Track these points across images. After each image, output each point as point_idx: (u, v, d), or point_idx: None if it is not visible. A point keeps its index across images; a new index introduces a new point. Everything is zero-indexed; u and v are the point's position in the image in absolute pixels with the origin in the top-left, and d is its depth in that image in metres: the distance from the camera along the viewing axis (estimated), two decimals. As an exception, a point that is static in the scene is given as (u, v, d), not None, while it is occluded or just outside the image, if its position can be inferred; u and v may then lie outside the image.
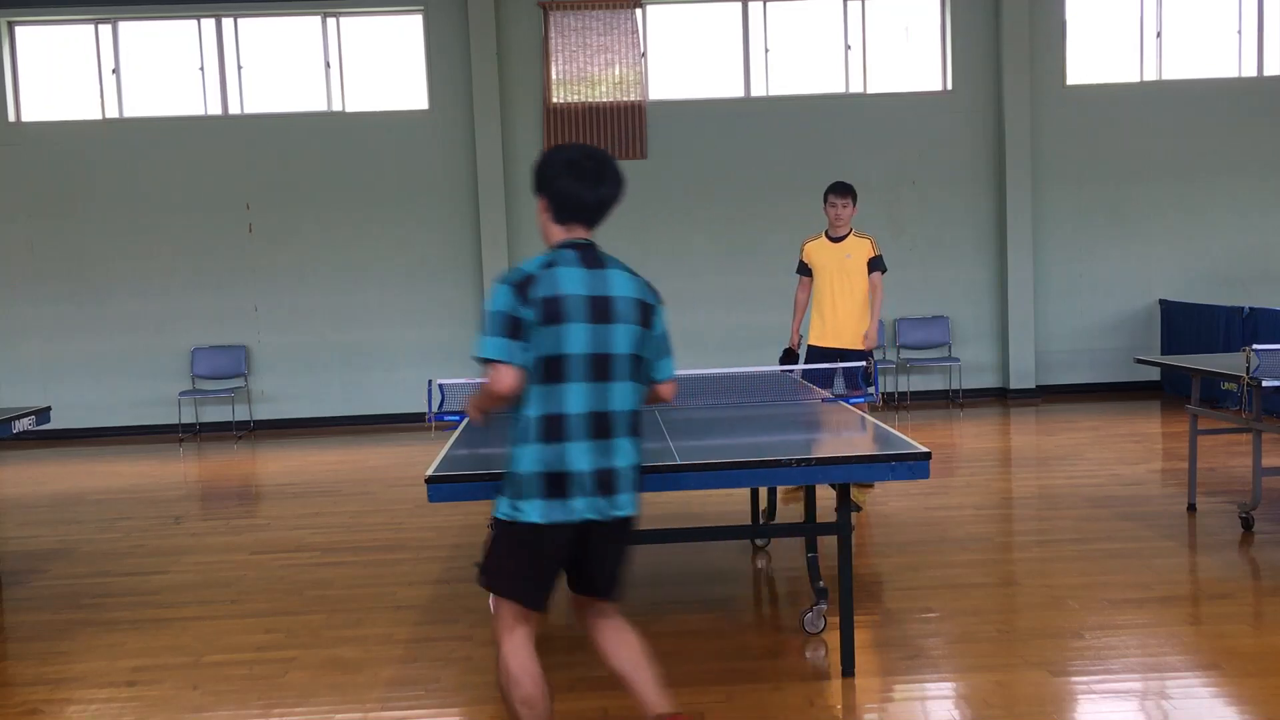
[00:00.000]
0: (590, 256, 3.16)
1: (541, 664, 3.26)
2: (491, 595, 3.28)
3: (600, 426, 3.10)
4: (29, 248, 11.91)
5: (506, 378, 3.02)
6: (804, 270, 7.37)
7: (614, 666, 3.38)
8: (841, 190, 7.19)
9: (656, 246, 11.78)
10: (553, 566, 3.19)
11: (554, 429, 3.07)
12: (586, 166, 3.17)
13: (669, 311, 3.45)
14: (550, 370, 3.06)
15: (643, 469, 3.30)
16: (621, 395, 3.15)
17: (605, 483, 3.13)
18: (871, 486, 7.32)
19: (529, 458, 3.09)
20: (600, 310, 3.09)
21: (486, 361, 3.03)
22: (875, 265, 7.13)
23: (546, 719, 3.18)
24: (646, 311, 3.19)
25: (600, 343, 3.09)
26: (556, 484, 3.08)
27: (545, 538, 3.11)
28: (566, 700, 4.18)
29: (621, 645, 3.35)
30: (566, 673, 4.46)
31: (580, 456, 3.08)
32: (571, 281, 3.08)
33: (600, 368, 3.09)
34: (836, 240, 7.22)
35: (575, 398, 3.07)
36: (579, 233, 3.20)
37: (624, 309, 3.13)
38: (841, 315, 7.08)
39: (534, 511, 3.09)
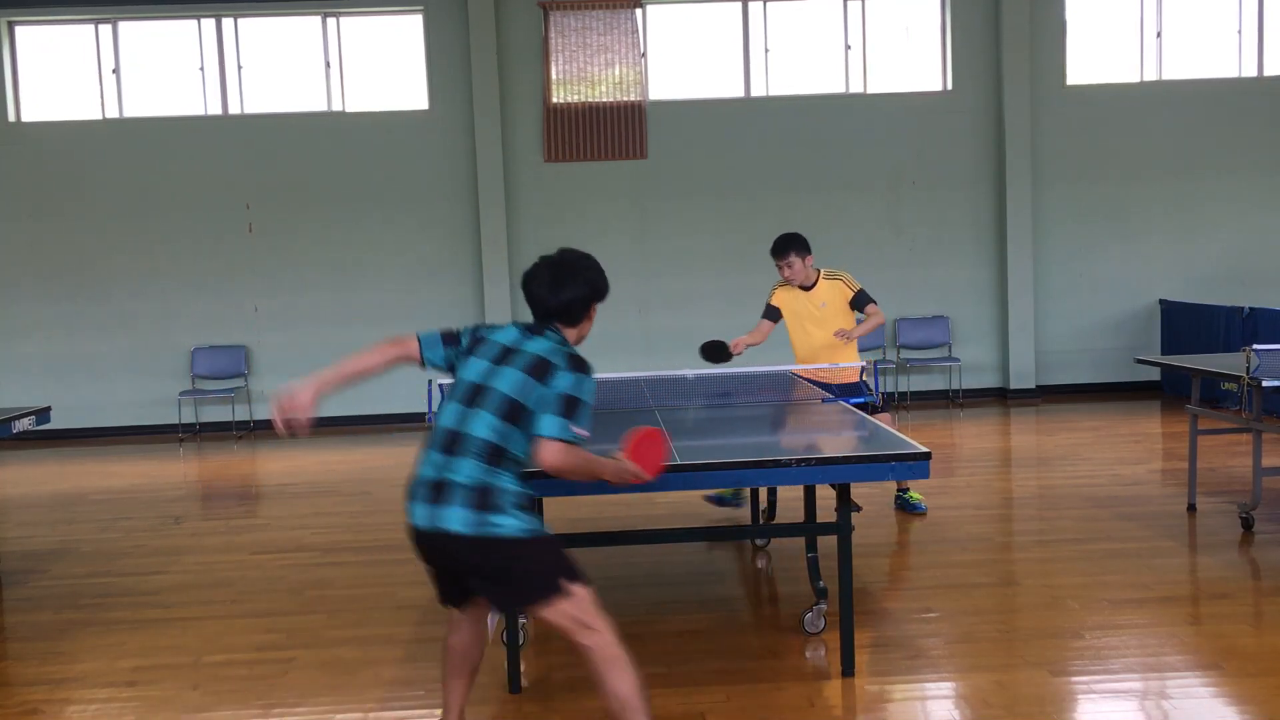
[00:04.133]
0: (534, 329, 3.51)
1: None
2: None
3: (449, 442, 3.35)
4: (29, 247, 11.91)
5: (399, 338, 3.76)
6: (772, 314, 6.72)
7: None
8: (778, 251, 6.52)
9: (656, 246, 11.78)
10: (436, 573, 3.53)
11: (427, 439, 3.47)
12: (539, 273, 3.52)
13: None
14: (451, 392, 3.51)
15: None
16: (483, 424, 3.33)
17: (437, 492, 3.31)
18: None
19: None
20: (503, 356, 3.42)
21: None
22: (862, 300, 6.53)
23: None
24: (545, 368, 3.34)
25: (486, 376, 3.39)
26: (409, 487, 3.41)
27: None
28: (567, 700, 4.18)
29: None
30: (566, 672, 4.47)
31: (425, 465, 3.40)
32: (501, 334, 3.52)
33: (474, 395, 3.38)
34: (807, 289, 6.61)
35: (446, 415, 3.42)
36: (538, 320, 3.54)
37: (522, 360, 3.37)
38: (824, 362, 6.51)
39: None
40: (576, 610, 3.27)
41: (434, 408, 5.28)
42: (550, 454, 3.24)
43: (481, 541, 3.21)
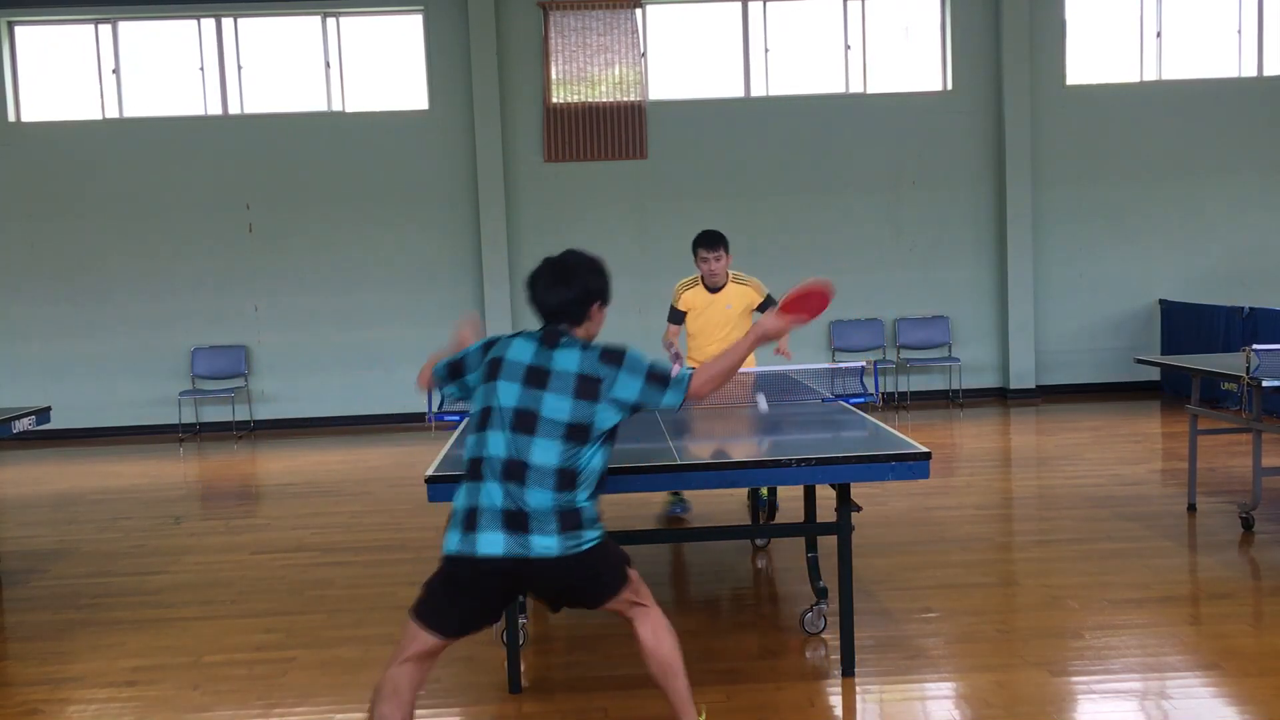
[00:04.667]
0: (547, 337, 3.50)
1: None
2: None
3: (514, 472, 3.34)
4: (29, 248, 11.91)
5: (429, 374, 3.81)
6: (676, 318, 6.79)
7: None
8: (710, 242, 6.53)
9: (656, 246, 11.77)
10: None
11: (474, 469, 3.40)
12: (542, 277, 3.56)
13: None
14: (479, 419, 3.44)
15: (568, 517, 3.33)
16: (547, 451, 3.35)
17: (517, 522, 3.31)
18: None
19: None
20: (533, 378, 3.42)
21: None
22: (770, 305, 6.50)
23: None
24: (593, 386, 3.41)
25: (526, 401, 3.39)
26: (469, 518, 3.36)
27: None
28: (567, 700, 4.18)
29: None
30: (567, 673, 4.47)
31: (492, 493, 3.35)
32: (515, 350, 3.50)
33: (520, 421, 3.37)
34: (714, 290, 6.64)
35: (493, 444, 3.37)
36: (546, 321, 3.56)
37: (562, 383, 3.40)
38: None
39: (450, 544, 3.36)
40: (633, 593, 3.49)
41: (434, 408, 5.28)
42: (695, 401, 3.56)
43: (574, 559, 3.32)
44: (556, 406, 3.34)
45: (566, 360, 3.41)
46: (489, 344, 3.59)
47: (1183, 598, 5.22)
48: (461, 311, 11.96)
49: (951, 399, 12.24)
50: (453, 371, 3.64)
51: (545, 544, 3.27)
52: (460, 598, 3.34)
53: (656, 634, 3.49)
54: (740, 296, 6.62)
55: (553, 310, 3.50)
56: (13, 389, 11.70)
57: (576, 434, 3.34)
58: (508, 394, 3.39)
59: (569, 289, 3.48)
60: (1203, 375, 6.67)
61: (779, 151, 12.10)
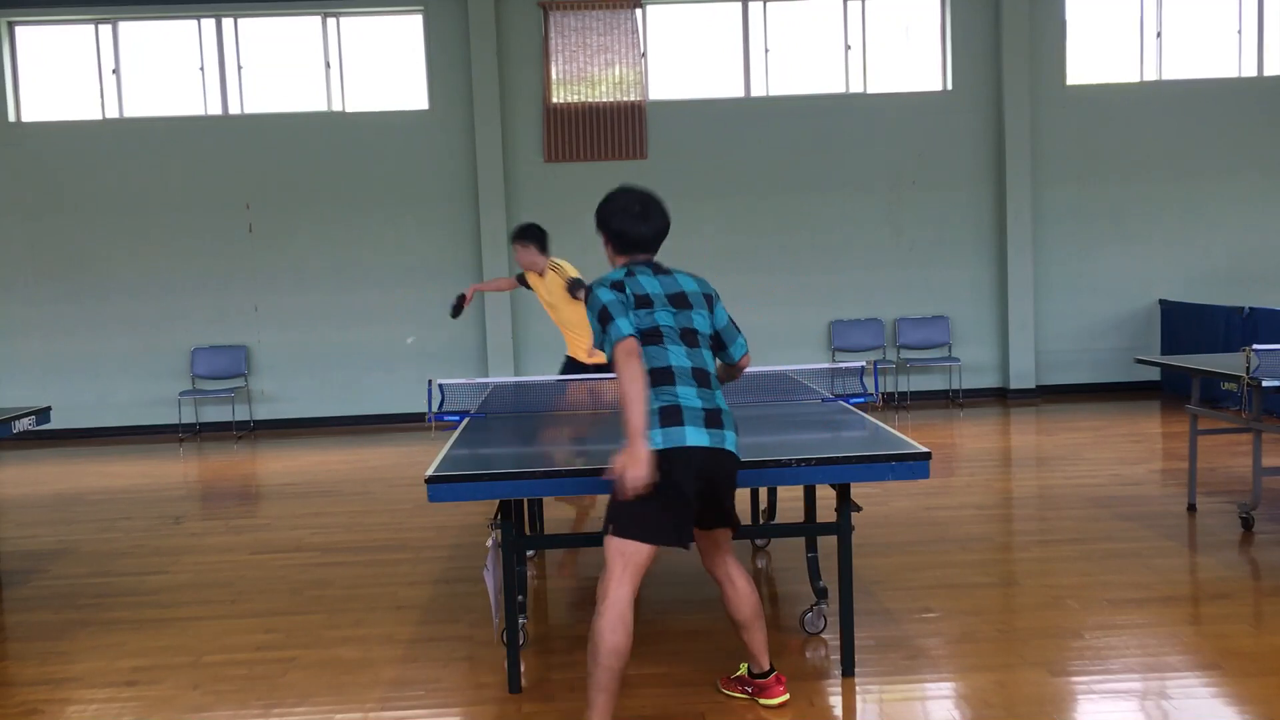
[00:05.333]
0: (656, 267, 3.89)
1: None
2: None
3: (700, 377, 3.74)
4: (29, 247, 11.92)
5: (635, 346, 3.61)
6: (521, 281, 7.50)
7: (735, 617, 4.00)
8: (518, 237, 7.18)
9: (656, 246, 11.75)
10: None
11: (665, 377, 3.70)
12: (635, 210, 3.88)
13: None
14: (649, 338, 3.71)
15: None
16: (709, 360, 3.84)
17: (715, 419, 3.70)
18: None
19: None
20: (677, 300, 3.80)
21: (621, 340, 3.58)
22: (574, 287, 6.90)
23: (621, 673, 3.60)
24: (711, 301, 3.91)
25: (684, 321, 3.77)
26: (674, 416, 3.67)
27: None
28: (567, 700, 4.18)
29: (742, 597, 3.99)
30: (566, 673, 4.46)
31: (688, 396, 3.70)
32: (647, 283, 3.80)
33: (685, 336, 3.77)
34: (542, 275, 7.26)
35: (676, 356, 3.71)
36: (641, 258, 3.89)
37: (699, 302, 3.85)
38: (568, 337, 7.34)
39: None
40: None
41: (434, 408, 5.28)
42: (747, 363, 4.07)
43: (738, 459, 3.77)
44: (703, 321, 3.81)
45: (690, 283, 3.86)
46: (619, 283, 3.74)
47: (1183, 598, 5.22)
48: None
49: (951, 399, 12.24)
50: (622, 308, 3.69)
51: (732, 439, 3.71)
52: (669, 497, 3.57)
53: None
54: (555, 283, 7.14)
55: (653, 239, 3.88)
56: (12, 389, 11.70)
57: (718, 344, 3.92)
58: (666, 317, 3.72)
59: (665, 219, 3.93)
60: (1203, 375, 6.66)
61: (779, 151, 12.10)
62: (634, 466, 3.46)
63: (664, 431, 3.58)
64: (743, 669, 4.11)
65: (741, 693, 4.08)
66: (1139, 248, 12.31)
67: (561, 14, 11.83)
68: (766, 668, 4.04)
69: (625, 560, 3.58)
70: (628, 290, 3.71)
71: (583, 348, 7.17)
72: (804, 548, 5.41)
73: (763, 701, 4.01)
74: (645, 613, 5.19)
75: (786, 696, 4.05)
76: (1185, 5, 12.29)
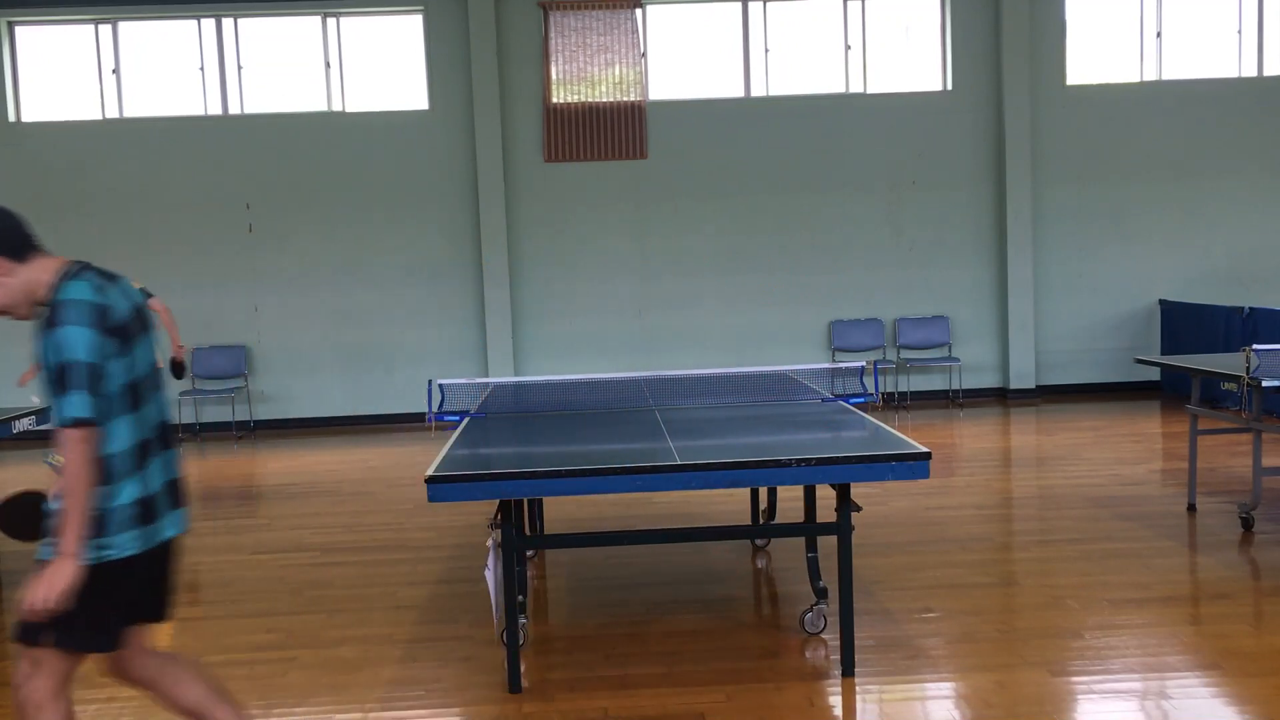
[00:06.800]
0: (100, 270, 2.99)
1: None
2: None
3: (166, 439, 3.06)
4: (29, 248, 11.90)
5: (97, 437, 2.83)
6: None
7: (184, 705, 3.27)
8: None
9: (656, 246, 11.77)
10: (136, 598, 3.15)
11: (143, 454, 2.96)
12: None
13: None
14: (132, 396, 2.94)
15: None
16: (161, 406, 3.06)
17: (176, 495, 3.11)
18: None
19: (125, 491, 2.95)
20: (141, 323, 3.00)
21: (80, 423, 2.76)
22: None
23: None
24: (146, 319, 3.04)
25: (147, 356, 3.01)
26: (148, 509, 2.99)
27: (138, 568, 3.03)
28: (567, 700, 4.18)
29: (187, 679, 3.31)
30: (566, 672, 4.47)
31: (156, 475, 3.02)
32: (118, 298, 2.93)
33: (156, 381, 3.05)
34: None
35: (153, 419, 3.00)
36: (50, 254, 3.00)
37: (147, 320, 3.03)
38: None
39: (131, 543, 2.99)
40: None
41: (434, 408, 5.28)
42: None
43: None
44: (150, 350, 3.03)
45: (133, 293, 3.03)
46: (101, 316, 2.86)
47: (1183, 598, 5.22)
48: (462, 311, 12.00)
49: (951, 399, 12.24)
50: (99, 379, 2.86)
51: (185, 516, 3.13)
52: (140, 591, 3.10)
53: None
54: None
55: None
56: (12, 389, 11.69)
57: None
58: (145, 352, 2.99)
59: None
60: (1203, 375, 6.66)
61: (779, 151, 12.10)
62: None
63: (140, 530, 3.06)
64: None
65: None
66: (1139, 248, 12.31)
67: (561, 14, 11.83)
68: None
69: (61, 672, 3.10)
70: (110, 323, 2.90)
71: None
72: (804, 548, 5.41)
73: None
74: (644, 613, 5.20)
75: None
76: (1185, 5, 12.29)
